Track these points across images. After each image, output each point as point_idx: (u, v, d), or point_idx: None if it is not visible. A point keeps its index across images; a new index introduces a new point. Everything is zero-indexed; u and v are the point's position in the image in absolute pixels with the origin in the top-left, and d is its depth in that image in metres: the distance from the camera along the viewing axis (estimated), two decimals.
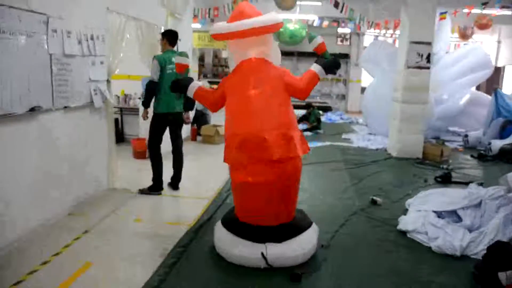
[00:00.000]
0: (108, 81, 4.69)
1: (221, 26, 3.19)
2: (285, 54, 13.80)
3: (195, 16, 10.69)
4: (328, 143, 8.30)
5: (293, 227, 3.25)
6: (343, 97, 14.11)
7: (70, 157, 4.07)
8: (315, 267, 3.16)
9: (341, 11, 9.01)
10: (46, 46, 3.57)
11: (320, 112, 10.02)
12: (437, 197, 4.22)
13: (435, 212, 3.97)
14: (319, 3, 9.86)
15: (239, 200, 3.29)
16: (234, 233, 3.23)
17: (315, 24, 11.66)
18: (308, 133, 9.24)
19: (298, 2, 10.11)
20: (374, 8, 10.18)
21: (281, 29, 12.62)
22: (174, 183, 4.92)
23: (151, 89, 4.50)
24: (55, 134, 3.82)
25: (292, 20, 11.91)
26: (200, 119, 8.77)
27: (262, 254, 3.05)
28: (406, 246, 3.65)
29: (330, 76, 13.82)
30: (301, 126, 9.57)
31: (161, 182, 4.80)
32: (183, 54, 3.49)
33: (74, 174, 4.15)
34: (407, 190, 5.22)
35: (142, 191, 4.76)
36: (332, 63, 3.32)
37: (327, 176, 5.94)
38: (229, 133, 3.23)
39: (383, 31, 11.05)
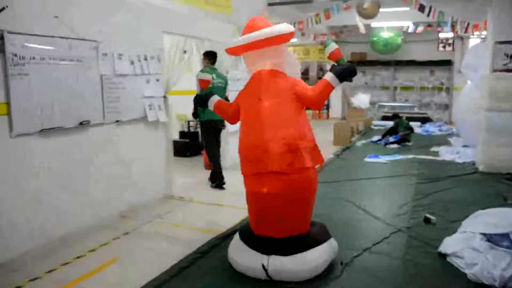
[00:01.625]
0: (164, 97, 5.12)
1: (234, 40, 3.30)
2: (382, 63, 13.28)
3: None
4: (411, 156, 7.76)
5: (302, 241, 3.16)
6: (446, 107, 12.96)
7: (125, 165, 4.54)
8: (321, 284, 3.04)
9: (428, 15, 8.41)
10: (96, 68, 4.08)
11: (409, 123, 9.39)
12: (486, 218, 3.70)
13: (484, 235, 3.50)
14: (407, 9, 9.31)
15: (249, 210, 3.34)
16: (244, 242, 3.28)
17: (409, 30, 11.03)
18: (394, 146, 8.75)
19: (386, 9, 9.74)
20: (464, 9, 9.26)
21: (374, 38, 12.26)
22: (212, 179, 5.69)
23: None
24: (108, 145, 4.31)
25: (384, 28, 11.42)
26: None
27: (263, 265, 3.05)
28: (440, 271, 3.28)
29: (431, 85, 12.87)
30: (390, 139, 9.09)
31: (222, 178, 5.57)
32: (204, 71, 3.68)
33: (129, 180, 4.61)
34: (476, 209, 4.63)
35: (212, 186, 5.66)
36: (347, 71, 3.17)
37: (389, 190, 5.58)
38: (239, 144, 3.31)
39: (485, 33, 9.94)
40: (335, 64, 3.23)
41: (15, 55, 3.31)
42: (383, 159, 7.47)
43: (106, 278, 3.18)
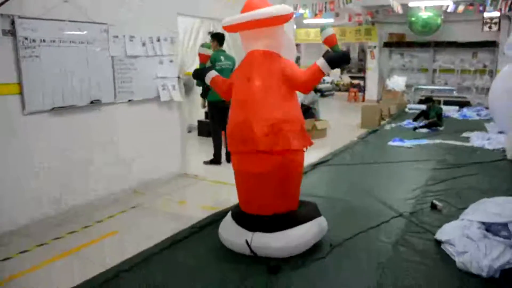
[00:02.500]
0: (178, 77, 5.26)
1: (229, 18, 3.30)
2: (420, 45, 12.75)
3: (318, 13, 10.82)
4: (438, 141, 7.50)
5: (286, 219, 3.21)
6: (488, 91, 12.23)
7: (138, 142, 4.76)
8: (305, 262, 3.10)
9: None
10: (107, 50, 4.27)
11: (441, 108, 9.04)
12: (491, 206, 3.58)
13: (483, 223, 3.40)
14: None
15: (236, 188, 3.42)
16: (234, 219, 3.38)
17: (449, 9, 10.48)
18: (424, 130, 8.49)
19: None
20: None
21: (412, 19, 11.74)
22: (228, 158, 5.88)
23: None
24: (120, 123, 4.53)
25: (421, 8, 10.93)
26: (305, 114, 8.86)
27: (246, 241, 3.15)
28: (431, 258, 3.22)
29: (473, 68, 12.22)
30: (419, 122, 8.86)
31: (219, 156, 5.87)
32: (205, 45, 3.71)
33: (143, 157, 4.83)
34: (490, 197, 4.48)
35: (205, 162, 5.90)
36: (339, 58, 3.15)
37: (403, 175, 5.48)
38: (228, 122, 3.37)
39: None
40: (329, 50, 3.21)
41: (26, 38, 3.54)
42: (408, 143, 7.29)
43: (102, 248, 3.41)
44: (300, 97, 8.62)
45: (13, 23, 3.46)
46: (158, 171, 5.09)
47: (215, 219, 3.83)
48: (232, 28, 3.32)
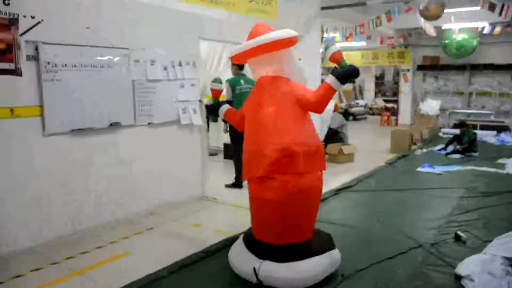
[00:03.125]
0: (200, 101, 5.33)
1: (234, 48, 3.36)
2: (455, 68, 12.42)
3: (349, 36, 10.81)
4: (470, 167, 7.18)
5: (298, 249, 3.11)
6: None
7: (158, 165, 4.82)
8: None
9: (500, 14, 7.73)
10: (128, 74, 4.40)
11: (475, 133, 8.68)
12: None
13: (508, 259, 3.18)
14: (477, 8, 8.60)
15: (250, 214, 3.37)
16: (245, 245, 3.32)
17: (485, 31, 10.20)
18: (457, 156, 8.18)
19: (457, 10, 9.16)
20: None
21: (446, 41, 11.48)
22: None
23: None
24: (139, 145, 4.62)
25: (455, 30, 10.67)
26: (333, 138, 8.73)
27: (254, 269, 3.07)
28: None
29: None
30: (451, 147, 8.55)
31: (241, 179, 5.69)
32: (216, 80, 3.75)
33: (162, 180, 4.88)
34: None
35: (227, 186, 5.90)
36: (348, 72, 3.07)
37: (428, 203, 5.23)
38: (243, 151, 3.36)
39: None
40: (336, 66, 3.16)
41: (48, 63, 3.70)
42: (438, 169, 7.01)
43: (111, 269, 3.42)
44: (327, 121, 8.58)
45: (36, 48, 3.63)
46: (177, 193, 5.12)
47: (226, 244, 3.77)
48: (238, 58, 3.36)
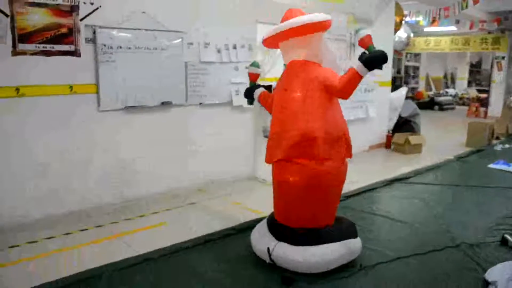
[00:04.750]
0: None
1: (266, 32, 3.38)
2: None
3: (434, 20, 10.18)
4: None
5: (313, 235, 3.14)
6: None
7: (208, 144, 5.06)
8: (324, 279, 3.00)
9: None
10: (181, 56, 4.65)
11: None
12: None
13: None
14: None
15: (273, 195, 3.44)
16: (267, 225, 3.43)
17: None
18: None
19: None
20: None
21: None
22: None
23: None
24: (190, 124, 4.89)
25: None
26: (403, 127, 8.33)
27: (268, 249, 3.16)
28: None
29: None
30: None
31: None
32: (254, 64, 3.78)
33: (211, 157, 5.12)
34: None
35: None
36: (375, 58, 2.92)
37: (485, 202, 4.82)
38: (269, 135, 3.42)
39: None
40: (365, 52, 3.04)
41: (104, 45, 4.07)
42: None
43: (145, 236, 3.74)
44: (397, 110, 8.21)
45: (94, 32, 4.01)
46: (227, 172, 5.33)
47: (255, 224, 3.88)
48: (270, 43, 3.38)
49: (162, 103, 4.60)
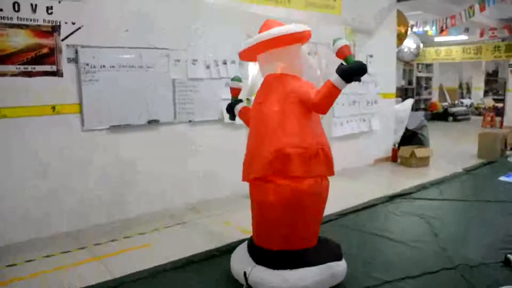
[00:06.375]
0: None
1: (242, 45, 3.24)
2: None
3: (445, 29, 9.98)
4: None
5: (291, 257, 2.96)
6: None
7: (199, 162, 4.97)
8: None
9: None
10: (168, 73, 4.59)
11: None
12: None
13: None
14: None
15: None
16: (247, 248, 3.28)
17: None
18: None
19: None
20: None
21: None
22: None
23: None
24: (179, 143, 4.80)
25: None
26: (410, 139, 8.08)
27: (244, 273, 3.01)
28: None
29: None
30: None
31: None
32: (235, 79, 3.67)
33: (205, 176, 5.03)
34: None
35: None
36: (353, 69, 2.74)
37: (494, 218, 4.53)
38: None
39: None
40: (342, 63, 2.88)
41: (87, 64, 4.04)
42: None
43: (124, 259, 3.61)
44: (403, 122, 7.98)
45: (76, 52, 3.98)
46: (219, 190, 5.21)
47: (239, 245, 3.75)
48: (247, 56, 3.27)
49: (149, 122, 4.52)
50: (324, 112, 3.02)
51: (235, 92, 3.68)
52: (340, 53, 2.82)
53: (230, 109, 3.67)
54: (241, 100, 3.68)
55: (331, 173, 3.07)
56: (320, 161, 2.97)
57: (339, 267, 3.04)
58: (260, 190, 2.99)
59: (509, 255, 3.48)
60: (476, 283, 3.11)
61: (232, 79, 3.67)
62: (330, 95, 2.84)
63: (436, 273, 3.30)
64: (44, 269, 3.42)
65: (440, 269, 3.34)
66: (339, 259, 3.08)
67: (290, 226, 2.97)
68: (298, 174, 2.88)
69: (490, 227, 4.31)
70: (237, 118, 3.69)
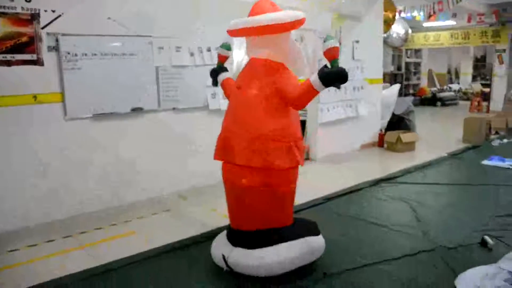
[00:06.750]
0: None
1: (233, 22, 3.09)
2: None
3: (433, 14, 9.99)
4: None
5: (266, 235, 3.01)
6: None
7: (185, 149, 4.98)
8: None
9: None
10: (151, 61, 4.57)
11: None
12: None
13: None
14: None
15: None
16: (226, 232, 3.31)
17: None
18: None
19: None
20: None
21: None
22: None
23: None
24: (164, 130, 4.80)
25: None
26: (397, 124, 8.13)
27: (223, 256, 3.05)
28: None
29: None
30: None
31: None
32: (224, 46, 3.58)
33: (191, 163, 5.03)
34: None
35: None
36: (334, 75, 2.72)
37: (477, 201, 4.65)
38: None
39: None
40: (326, 65, 2.87)
41: (68, 53, 4.00)
42: (508, 163, 6.17)
43: (112, 246, 3.64)
44: (390, 107, 8.02)
45: (57, 40, 3.94)
46: (207, 178, 5.21)
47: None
48: (235, 33, 3.21)
49: (133, 110, 4.51)
50: (299, 108, 3.07)
51: (221, 58, 3.59)
52: (328, 53, 2.81)
53: (214, 74, 3.61)
54: (226, 69, 3.61)
55: (302, 163, 3.09)
56: (293, 153, 2.99)
57: (318, 241, 3.10)
58: (234, 174, 3.02)
59: (485, 237, 3.58)
60: (453, 264, 3.20)
61: (221, 46, 3.56)
62: (308, 95, 2.87)
63: (415, 255, 3.38)
64: (27, 259, 3.44)
65: (419, 251, 3.43)
66: (315, 234, 3.14)
67: (263, 209, 3.02)
68: (271, 164, 2.91)
69: (471, 210, 4.41)
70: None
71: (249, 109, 2.99)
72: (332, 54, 2.79)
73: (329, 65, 2.79)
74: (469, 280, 2.78)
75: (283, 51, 3.09)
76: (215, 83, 3.66)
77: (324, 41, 2.86)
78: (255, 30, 2.96)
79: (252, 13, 3.02)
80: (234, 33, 3.16)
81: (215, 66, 3.62)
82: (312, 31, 6.10)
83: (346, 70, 2.76)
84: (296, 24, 2.94)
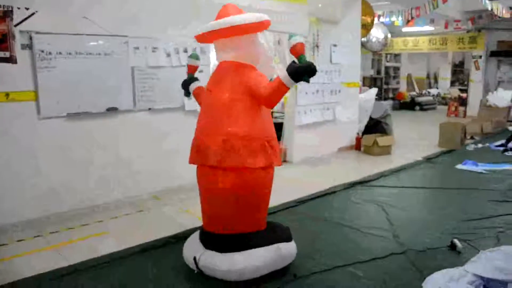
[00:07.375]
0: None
1: (199, 28, 3.14)
2: None
3: (411, 19, 10.14)
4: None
5: (238, 240, 3.03)
6: None
7: (159, 150, 4.94)
8: None
9: None
10: (127, 61, 4.54)
11: None
12: (498, 257, 2.92)
13: (482, 278, 2.80)
14: None
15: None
16: (199, 234, 3.32)
17: None
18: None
19: None
20: None
21: None
22: None
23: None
24: (139, 130, 4.77)
25: None
26: (374, 128, 8.24)
27: (194, 258, 3.06)
28: None
29: None
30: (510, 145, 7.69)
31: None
32: (193, 56, 3.63)
33: (165, 164, 5.00)
34: None
35: None
36: (303, 70, 2.78)
37: (449, 205, 4.74)
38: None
39: None
40: (294, 61, 2.92)
41: (42, 51, 3.96)
42: (481, 167, 6.32)
43: (81, 247, 3.60)
44: (367, 111, 8.13)
45: (31, 38, 3.89)
46: (182, 178, 5.19)
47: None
48: (203, 39, 3.24)
49: (108, 109, 4.48)
50: (271, 106, 3.10)
51: (191, 69, 3.65)
52: (294, 50, 2.89)
53: (185, 85, 3.65)
54: (196, 79, 3.65)
55: (279, 162, 3.12)
56: (266, 151, 3.02)
57: (289, 248, 3.14)
58: (208, 176, 3.04)
59: (455, 240, 3.66)
60: (421, 266, 3.26)
61: (190, 56, 3.64)
62: (279, 91, 2.89)
63: (385, 258, 3.45)
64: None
65: (389, 254, 3.49)
66: (287, 240, 3.17)
67: (236, 212, 3.04)
68: (246, 165, 2.93)
69: (443, 213, 4.50)
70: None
71: (221, 110, 3.01)
72: (297, 50, 2.87)
73: (296, 61, 2.85)
74: (435, 283, 2.84)
75: (250, 53, 3.13)
76: (187, 94, 3.70)
77: (289, 39, 2.95)
78: (222, 32, 2.99)
79: (218, 17, 3.07)
80: (201, 38, 3.20)
81: (188, 77, 3.65)
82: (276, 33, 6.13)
83: (315, 66, 2.81)
84: (262, 24, 3.00)
